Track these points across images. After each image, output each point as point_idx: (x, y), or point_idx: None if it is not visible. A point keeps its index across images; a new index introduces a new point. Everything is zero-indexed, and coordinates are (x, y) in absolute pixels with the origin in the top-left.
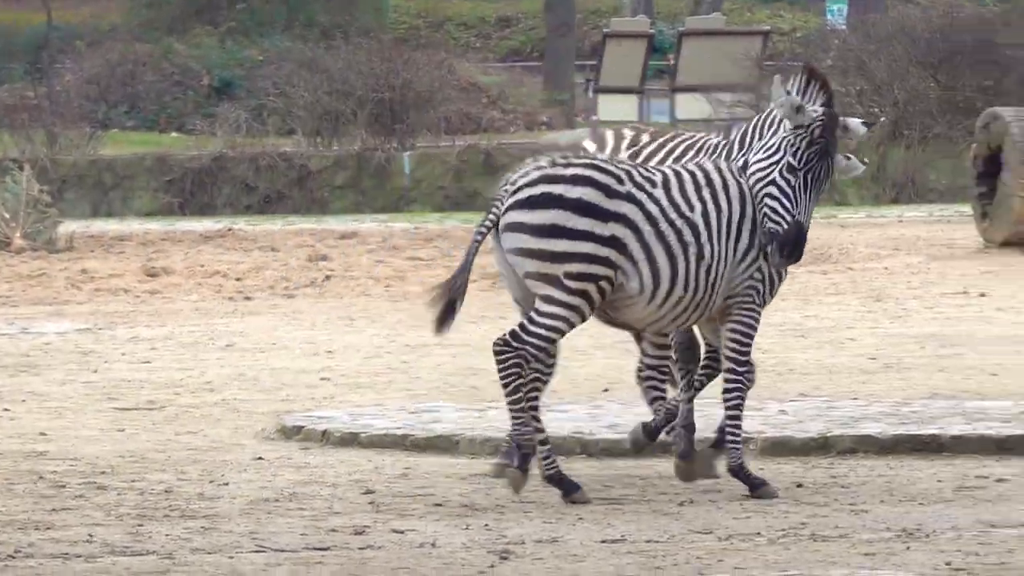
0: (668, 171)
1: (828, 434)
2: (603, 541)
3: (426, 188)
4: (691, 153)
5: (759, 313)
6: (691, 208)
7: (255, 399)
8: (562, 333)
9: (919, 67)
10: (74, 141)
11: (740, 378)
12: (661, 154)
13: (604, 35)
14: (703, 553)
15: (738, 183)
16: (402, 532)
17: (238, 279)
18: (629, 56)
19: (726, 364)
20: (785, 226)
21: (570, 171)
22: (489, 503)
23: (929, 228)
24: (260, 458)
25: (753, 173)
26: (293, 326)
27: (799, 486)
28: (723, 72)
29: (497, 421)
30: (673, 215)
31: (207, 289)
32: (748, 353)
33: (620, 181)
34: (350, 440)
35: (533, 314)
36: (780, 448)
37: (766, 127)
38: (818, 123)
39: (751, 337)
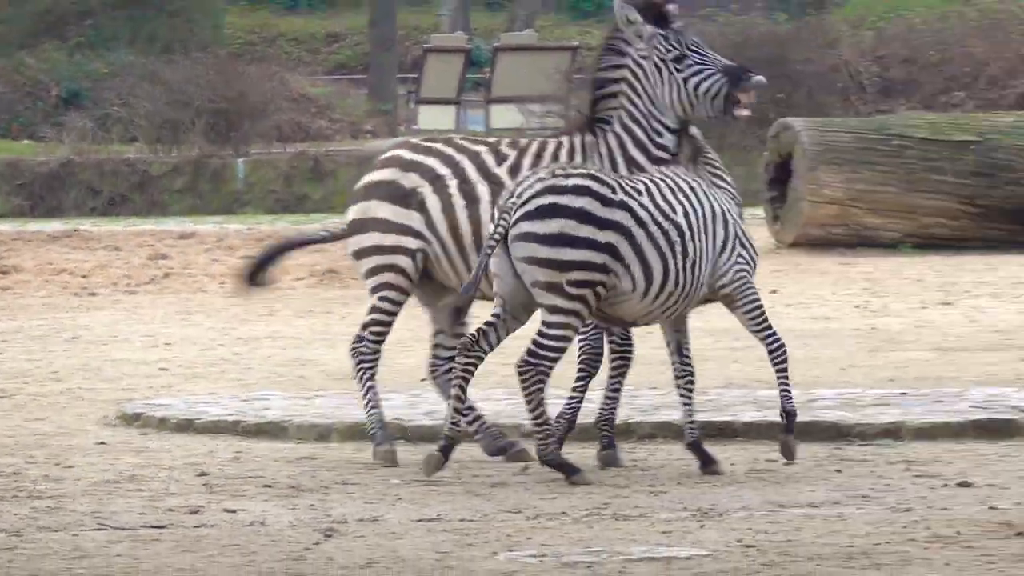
0: (647, 180)
1: (630, 420)
2: (420, 520)
3: (259, 192)
4: (546, 157)
5: (755, 289)
6: (674, 211)
7: (98, 388)
8: (570, 339)
9: None
10: None
11: (777, 344)
12: (526, 160)
13: (424, 50)
14: (512, 531)
15: (699, 184)
16: (234, 511)
17: (84, 276)
18: (448, 70)
19: (761, 340)
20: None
21: (571, 182)
22: (315, 485)
23: None
24: (102, 443)
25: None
26: (134, 320)
27: (602, 469)
28: (535, 84)
29: (324, 408)
30: (660, 219)
31: (55, 286)
32: (767, 322)
33: (614, 191)
34: (186, 426)
35: (542, 327)
36: (586, 434)
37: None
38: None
39: (762, 309)
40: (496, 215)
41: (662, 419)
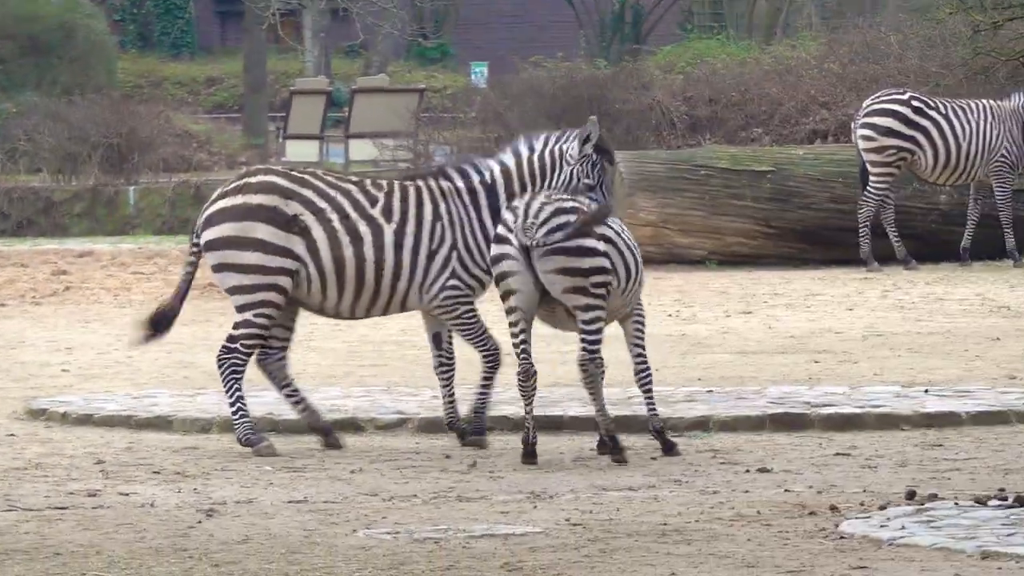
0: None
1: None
2: (289, 502)
3: (148, 216)
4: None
5: None
6: (623, 229)
7: (7, 387)
8: (603, 329)
9: (546, 118)
10: None
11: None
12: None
13: (291, 92)
14: (370, 511)
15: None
16: (127, 494)
17: None
18: (311, 109)
19: (636, 350)
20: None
21: (569, 204)
22: (198, 471)
23: None
24: (12, 434)
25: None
26: (39, 328)
27: (448, 457)
28: (388, 122)
29: (205, 404)
30: (624, 234)
31: None
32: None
33: None
34: (85, 420)
35: (583, 325)
36: (432, 426)
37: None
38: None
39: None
40: (517, 234)
41: (500, 413)
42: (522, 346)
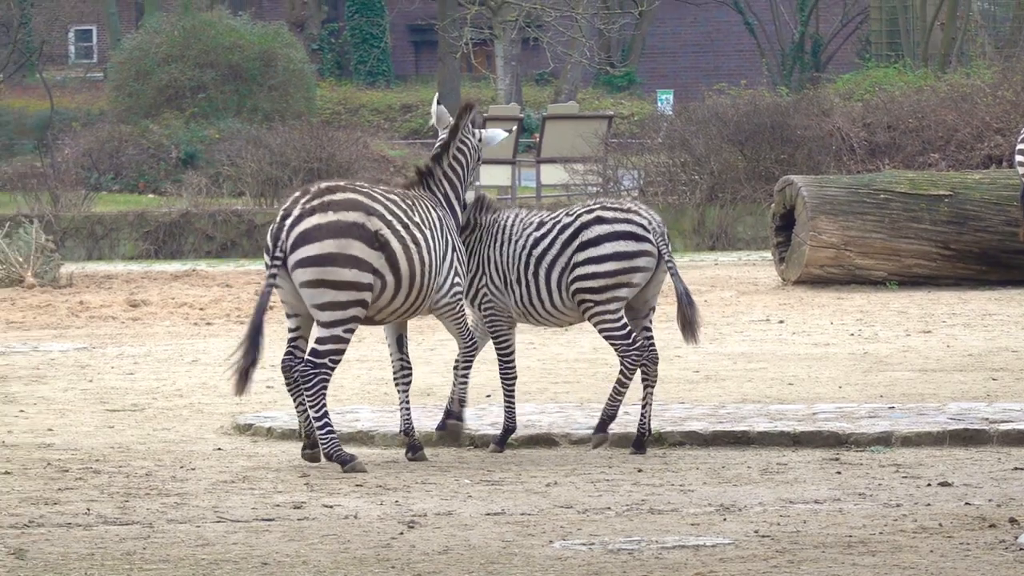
0: None
1: (662, 430)
2: (488, 513)
3: None
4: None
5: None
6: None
7: (214, 403)
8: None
9: (730, 144)
10: (72, 201)
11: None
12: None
13: (484, 119)
14: (565, 523)
15: None
16: (331, 506)
17: (201, 309)
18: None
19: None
20: None
21: (620, 208)
22: (399, 484)
23: (739, 270)
24: (220, 449)
25: None
26: None
27: (640, 471)
28: (577, 147)
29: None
30: None
31: (177, 317)
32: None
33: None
34: (290, 435)
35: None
36: (624, 441)
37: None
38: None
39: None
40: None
41: (689, 429)
42: (633, 335)
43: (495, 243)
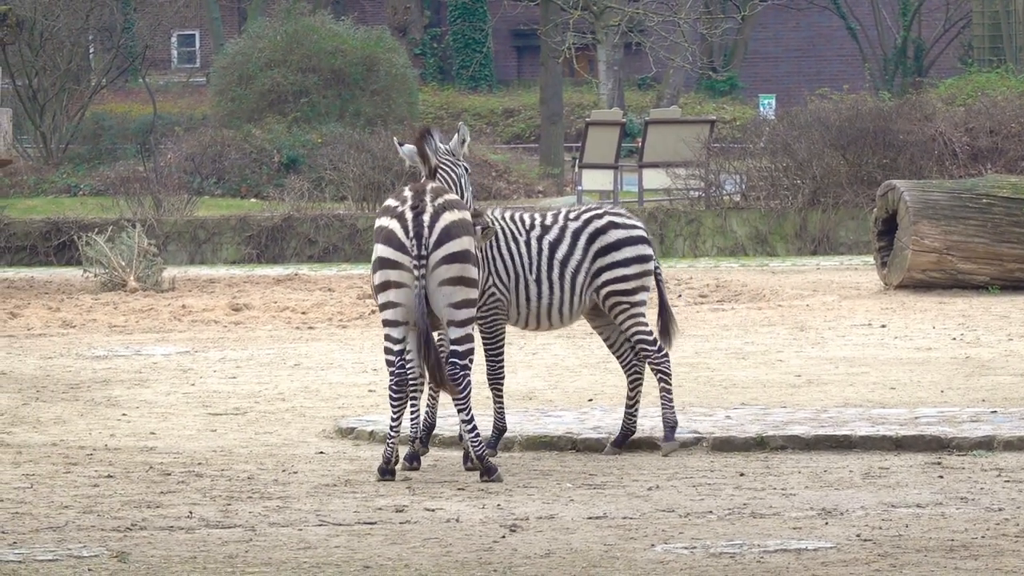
0: None
1: (764, 434)
2: (589, 517)
3: None
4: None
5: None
6: None
7: (317, 406)
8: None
9: (832, 148)
10: (175, 205)
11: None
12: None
13: (587, 123)
14: (667, 527)
15: None
16: (433, 510)
17: (303, 313)
18: (606, 139)
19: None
20: None
21: (623, 214)
22: (500, 487)
23: (841, 274)
24: (322, 452)
25: None
26: (346, 350)
27: (741, 475)
28: (680, 152)
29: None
30: None
31: (279, 321)
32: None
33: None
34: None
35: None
36: (726, 445)
37: None
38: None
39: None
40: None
41: (790, 433)
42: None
43: (498, 243)
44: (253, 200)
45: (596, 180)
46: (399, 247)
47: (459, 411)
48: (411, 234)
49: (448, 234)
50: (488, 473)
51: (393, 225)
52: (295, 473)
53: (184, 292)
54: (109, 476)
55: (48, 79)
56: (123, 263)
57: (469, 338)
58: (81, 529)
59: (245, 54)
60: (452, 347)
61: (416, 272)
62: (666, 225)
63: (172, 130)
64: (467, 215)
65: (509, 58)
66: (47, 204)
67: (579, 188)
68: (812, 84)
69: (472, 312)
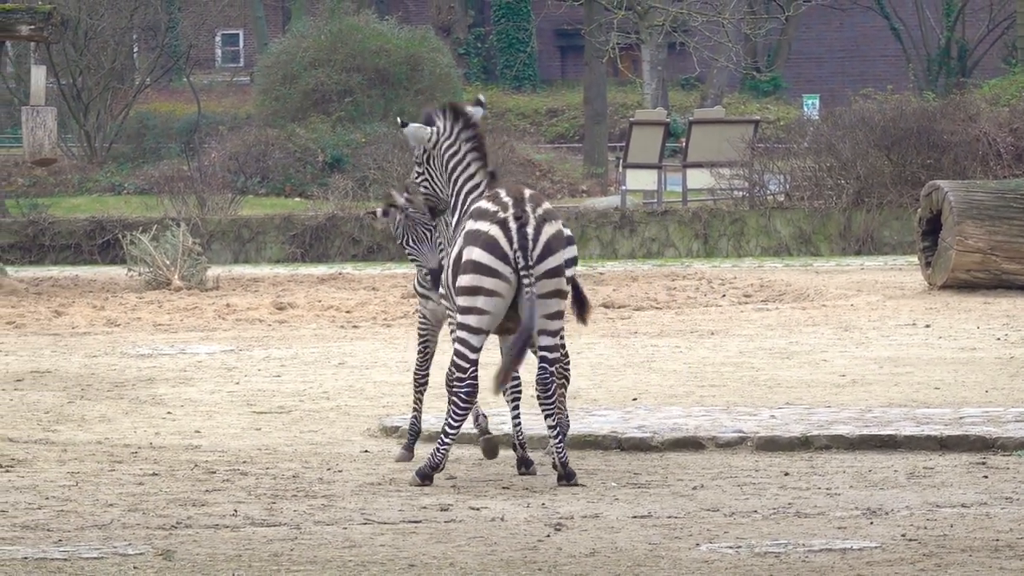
0: None
1: (808, 434)
2: (634, 516)
3: None
4: None
5: None
6: None
7: (361, 405)
8: None
9: (876, 149)
10: (219, 204)
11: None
12: None
13: (630, 123)
14: (712, 526)
15: None
16: (478, 509)
17: (348, 312)
18: (650, 139)
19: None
20: None
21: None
22: (545, 486)
23: (885, 274)
24: (366, 451)
25: None
26: (390, 349)
27: (786, 474)
28: (723, 152)
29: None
30: None
31: (324, 319)
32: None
33: None
34: (436, 437)
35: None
36: (771, 444)
37: None
38: None
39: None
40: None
41: (835, 432)
42: None
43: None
44: (297, 199)
45: (640, 180)
46: (501, 256)
47: (547, 416)
48: (515, 244)
49: (549, 249)
50: (568, 478)
51: (495, 232)
52: (340, 472)
53: (228, 291)
54: (154, 474)
55: (92, 78)
56: (167, 262)
57: (557, 348)
58: (126, 527)
59: (289, 53)
60: (542, 354)
61: (526, 282)
62: (710, 225)
63: (216, 129)
64: (562, 225)
65: (553, 58)
66: (91, 203)
67: (623, 188)
68: (856, 84)
69: (562, 323)
